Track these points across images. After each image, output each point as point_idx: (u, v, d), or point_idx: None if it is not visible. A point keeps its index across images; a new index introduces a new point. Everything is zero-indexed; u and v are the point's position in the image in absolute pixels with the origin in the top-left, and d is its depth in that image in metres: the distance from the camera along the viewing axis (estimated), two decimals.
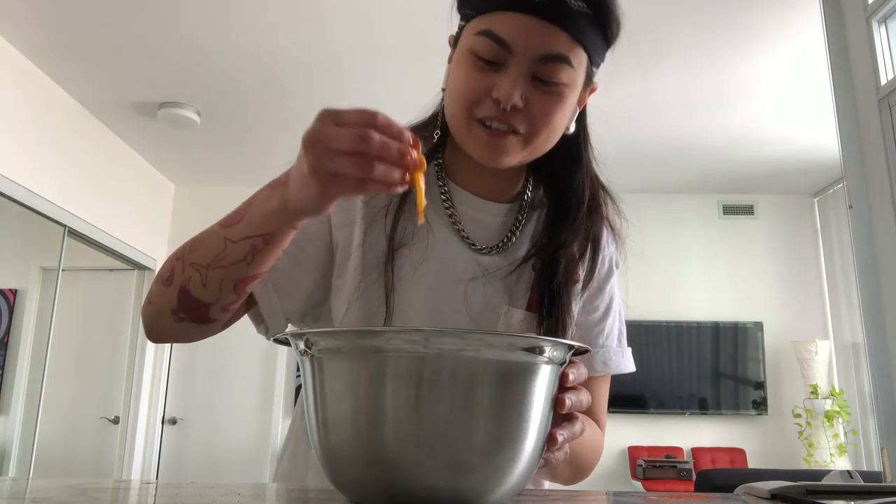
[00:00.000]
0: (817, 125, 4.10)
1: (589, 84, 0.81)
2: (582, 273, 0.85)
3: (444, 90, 0.82)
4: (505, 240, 0.85)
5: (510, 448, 0.48)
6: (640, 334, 5.14)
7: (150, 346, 5.02)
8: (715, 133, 4.34)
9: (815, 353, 4.77)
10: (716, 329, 5.16)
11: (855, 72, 2.35)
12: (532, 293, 0.83)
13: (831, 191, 5.14)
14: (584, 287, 0.86)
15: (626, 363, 0.89)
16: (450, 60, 0.82)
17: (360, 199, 0.84)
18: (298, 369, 0.68)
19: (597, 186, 0.87)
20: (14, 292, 4.37)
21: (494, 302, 0.82)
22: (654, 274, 5.28)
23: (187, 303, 0.73)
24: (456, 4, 0.81)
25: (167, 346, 5.16)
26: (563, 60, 0.73)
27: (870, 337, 2.20)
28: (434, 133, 0.84)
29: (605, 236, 0.88)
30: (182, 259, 0.73)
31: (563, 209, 0.85)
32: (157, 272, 0.77)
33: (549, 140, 0.78)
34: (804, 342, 4.85)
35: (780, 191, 5.36)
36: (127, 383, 4.91)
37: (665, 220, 5.40)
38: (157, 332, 0.78)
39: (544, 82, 0.73)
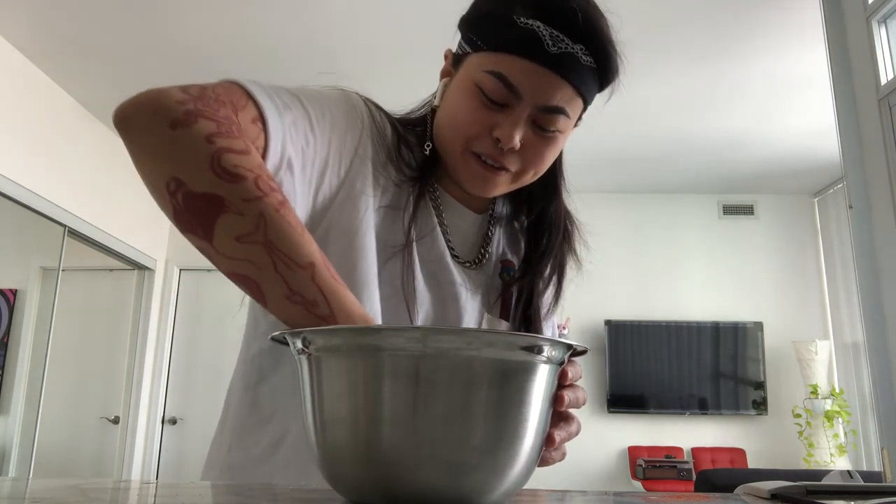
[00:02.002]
0: (817, 125, 4.10)
1: (576, 124, 0.84)
2: (550, 298, 0.93)
3: (434, 107, 0.84)
4: (480, 255, 0.89)
5: (509, 448, 0.48)
6: (641, 334, 5.14)
7: (150, 345, 5.01)
8: (715, 133, 4.34)
9: (815, 353, 4.77)
10: (716, 329, 5.16)
11: (855, 72, 2.35)
12: (503, 305, 0.88)
13: (831, 191, 5.14)
14: (549, 311, 0.93)
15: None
16: (443, 74, 0.83)
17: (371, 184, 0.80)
18: None
19: (566, 217, 0.93)
20: (14, 292, 4.37)
21: (474, 310, 0.88)
22: (655, 274, 5.29)
23: (206, 197, 0.58)
24: (461, 24, 0.80)
25: (167, 346, 5.16)
26: (564, 112, 0.76)
27: (870, 337, 2.20)
28: (425, 145, 0.84)
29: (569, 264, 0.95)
30: (263, 194, 0.59)
31: (537, 236, 0.91)
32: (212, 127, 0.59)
33: (536, 177, 0.83)
34: (804, 342, 4.85)
35: (780, 191, 5.36)
36: (127, 383, 4.91)
37: (665, 220, 5.40)
38: (135, 140, 0.61)
39: (542, 129, 0.77)
